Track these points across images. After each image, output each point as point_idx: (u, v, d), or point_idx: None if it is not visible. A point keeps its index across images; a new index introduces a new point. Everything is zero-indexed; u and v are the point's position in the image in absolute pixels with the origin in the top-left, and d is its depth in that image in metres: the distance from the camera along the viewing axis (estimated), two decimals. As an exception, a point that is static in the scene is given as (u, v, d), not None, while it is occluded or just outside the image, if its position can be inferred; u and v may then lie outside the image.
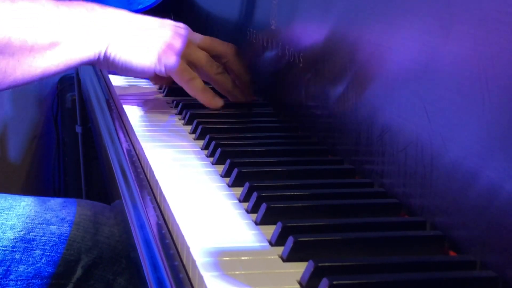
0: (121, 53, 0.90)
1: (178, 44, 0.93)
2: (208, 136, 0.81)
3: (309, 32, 0.84)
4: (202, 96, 0.93)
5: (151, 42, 0.92)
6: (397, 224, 0.59)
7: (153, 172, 0.71)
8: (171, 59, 0.92)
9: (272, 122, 0.91)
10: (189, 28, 0.98)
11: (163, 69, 0.92)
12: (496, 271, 0.49)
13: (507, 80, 0.49)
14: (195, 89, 0.93)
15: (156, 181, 0.69)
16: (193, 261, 0.52)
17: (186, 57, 0.93)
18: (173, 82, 0.97)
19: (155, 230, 0.61)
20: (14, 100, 2.31)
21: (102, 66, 0.92)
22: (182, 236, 0.56)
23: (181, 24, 0.97)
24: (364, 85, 0.70)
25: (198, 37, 0.97)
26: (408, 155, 0.61)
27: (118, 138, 0.89)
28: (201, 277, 0.50)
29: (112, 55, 0.90)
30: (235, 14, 1.13)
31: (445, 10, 0.56)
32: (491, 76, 0.50)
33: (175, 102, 1.00)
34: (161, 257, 0.57)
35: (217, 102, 0.93)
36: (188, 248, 0.54)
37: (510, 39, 0.49)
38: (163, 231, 0.61)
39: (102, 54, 0.90)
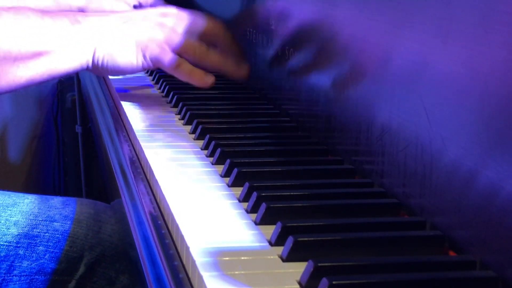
0: (107, 57, 0.93)
1: (159, 35, 0.95)
2: (208, 136, 0.81)
3: (309, 32, 0.84)
4: (192, 78, 0.97)
5: (132, 39, 0.94)
6: (397, 224, 0.59)
7: (152, 172, 0.71)
8: (155, 52, 0.94)
9: (272, 122, 0.91)
10: (177, 12, 0.98)
11: (150, 63, 0.95)
12: (496, 271, 0.49)
13: (507, 80, 0.49)
14: (184, 74, 0.96)
15: (156, 181, 0.69)
16: (193, 261, 0.52)
17: (169, 45, 0.95)
18: None
19: (154, 230, 0.61)
20: (14, 100, 2.31)
21: (96, 72, 0.96)
22: (182, 236, 0.56)
23: (169, 11, 0.98)
24: (364, 85, 0.70)
25: (185, 21, 0.97)
26: (408, 155, 0.61)
27: (118, 138, 0.89)
28: (200, 277, 0.50)
29: (100, 61, 0.93)
30: (235, 14, 1.13)
31: (445, 10, 0.56)
32: (490, 76, 0.50)
33: (174, 101, 1.00)
34: (160, 257, 0.57)
35: (209, 80, 0.97)
36: (187, 248, 0.54)
37: (509, 40, 0.49)
38: (162, 231, 0.61)
39: (91, 62, 0.93)
